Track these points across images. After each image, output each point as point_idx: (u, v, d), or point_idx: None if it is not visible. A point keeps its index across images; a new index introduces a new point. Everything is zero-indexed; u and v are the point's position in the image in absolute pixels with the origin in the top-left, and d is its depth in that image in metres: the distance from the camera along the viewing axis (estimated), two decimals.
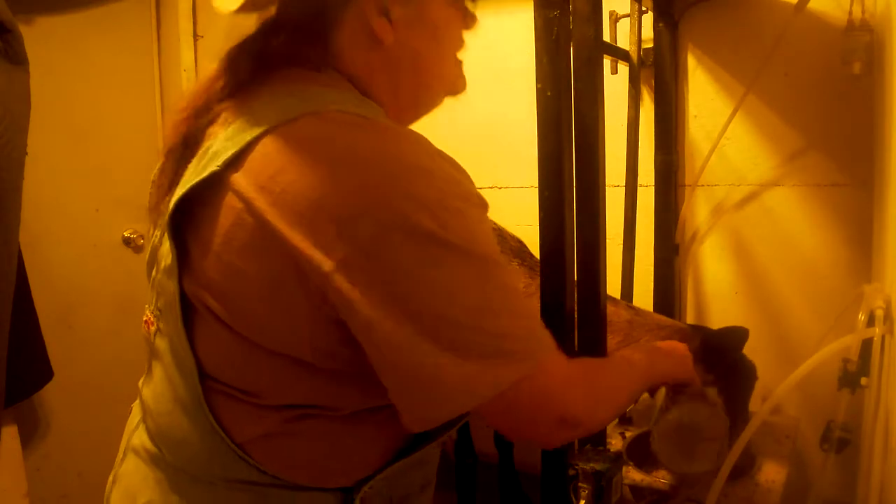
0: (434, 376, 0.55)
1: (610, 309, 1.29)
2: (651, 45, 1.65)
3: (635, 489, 1.27)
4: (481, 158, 2.03)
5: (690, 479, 1.19)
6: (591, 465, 0.99)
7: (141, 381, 0.76)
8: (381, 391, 0.59)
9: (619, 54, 1.64)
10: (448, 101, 2.17)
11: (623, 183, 1.66)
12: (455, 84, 0.82)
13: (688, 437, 1.06)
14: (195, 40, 2.71)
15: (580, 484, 0.98)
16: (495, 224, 1.63)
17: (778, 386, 0.91)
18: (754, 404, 1.31)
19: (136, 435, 0.74)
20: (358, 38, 0.69)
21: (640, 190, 1.67)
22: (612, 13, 1.67)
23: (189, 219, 0.63)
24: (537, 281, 1.47)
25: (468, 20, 0.78)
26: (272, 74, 0.66)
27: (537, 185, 1.11)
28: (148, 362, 0.73)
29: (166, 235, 0.65)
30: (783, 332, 1.59)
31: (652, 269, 1.68)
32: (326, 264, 0.54)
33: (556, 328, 1.13)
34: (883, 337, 0.89)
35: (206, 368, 0.64)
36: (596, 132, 1.07)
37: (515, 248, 1.57)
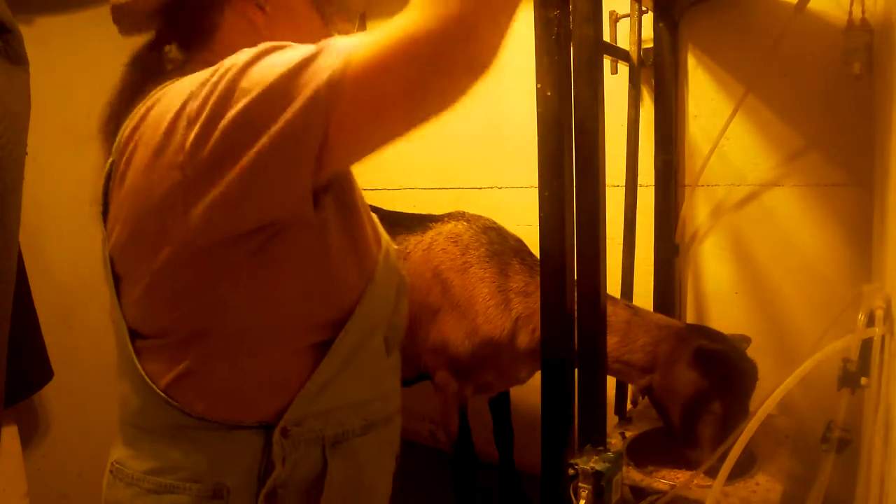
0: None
1: (608, 309, 1.29)
2: (651, 45, 1.65)
3: (635, 489, 1.27)
4: (481, 158, 2.03)
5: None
6: (591, 465, 0.99)
7: None
8: (267, 306, 0.67)
9: (619, 54, 1.64)
10: None
11: (623, 183, 1.66)
12: None
13: None
14: None
15: (580, 484, 0.99)
16: (494, 223, 1.63)
17: (778, 386, 0.91)
18: (754, 404, 1.31)
19: None
20: (240, 29, 0.76)
21: (640, 190, 1.67)
22: (612, 13, 1.67)
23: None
24: (536, 279, 1.47)
25: (330, 20, 0.81)
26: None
27: (537, 185, 1.11)
28: None
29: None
30: (783, 331, 1.59)
31: (652, 269, 1.68)
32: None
33: (556, 328, 1.13)
34: (883, 337, 0.89)
35: (133, 326, 0.73)
36: (596, 132, 1.07)
37: (515, 247, 1.57)
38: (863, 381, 0.92)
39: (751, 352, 1.34)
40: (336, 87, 0.57)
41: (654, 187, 1.67)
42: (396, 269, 0.84)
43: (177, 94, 0.63)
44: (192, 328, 0.68)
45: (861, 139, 1.44)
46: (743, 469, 1.24)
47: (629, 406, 1.66)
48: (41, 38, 2.17)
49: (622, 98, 1.68)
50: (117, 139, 0.69)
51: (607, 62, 1.67)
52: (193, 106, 0.60)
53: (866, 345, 0.91)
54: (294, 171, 0.60)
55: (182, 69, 0.72)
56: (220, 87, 0.59)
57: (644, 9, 1.62)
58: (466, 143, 2.05)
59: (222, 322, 0.68)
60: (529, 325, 1.45)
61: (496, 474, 1.77)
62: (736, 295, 1.66)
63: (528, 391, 1.63)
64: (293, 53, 0.60)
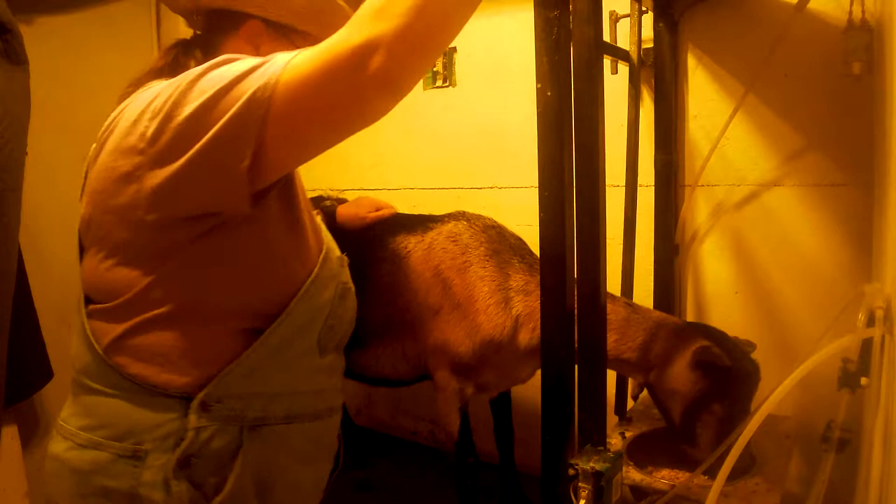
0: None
1: (608, 307, 1.29)
2: (651, 45, 1.65)
3: (635, 489, 1.27)
4: (481, 158, 2.03)
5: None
6: (591, 465, 0.99)
7: None
8: (207, 288, 0.75)
9: (619, 54, 1.64)
10: (448, 102, 2.18)
11: (623, 183, 1.66)
12: None
13: None
14: None
15: (580, 484, 0.98)
16: (494, 222, 1.63)
17: (778, 386, 0.91)
18: (754, 404, 1.31)
19: None
20: (244, 50, 0.86)
21: (640, 190, 1.67)
22: (612, 13, 1.67)
23: None
24: (536, 278, 1.47)
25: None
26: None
27: (537, 185, 1.11)
28: None
29: None
30: (783, 332, 1.59)
31: (652, 269, 1.68)
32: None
33: (556, 328, 1.13)
34: (883, 337, 0.89)
35: (87, 292, 0.83)
36: (596, 132, 1.07)
37: (515, 245, 1.57)
38: (863, 381, 0.92)
39: (752, 353, 1.34)
40: (270, 95, 0.66)
41: (654, 187, 1.67)
42: (338, 274, 0.90)
43: (150, 93, 0.74)
44: (137, 297, 0.75)
45: (861, 139, 1.44)
46: (743, 469, 1.24)
47: (629, 401, 1.66)
48: (41, 38, 2.17)
49: (622, 98, 1.68)
50: (101, 129, 0.80)
51: (607, 62, 1.67)
52: (157, 103, 0.70)
53: (866, 345, 0.91)
54: (230, 167, 0.67)
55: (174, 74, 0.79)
56: (180, 89, 0.69)
57: (644, 9, 1.62)
58: (466, 143, 2.06)
59: (163, 295, 0.75)
60: (530, 324, 1.45)
61: (496, 474, 1.77)
62: (736, 295, 1.66)
63: (529, 391, 1.63)
64: (242, 65, 0.69)
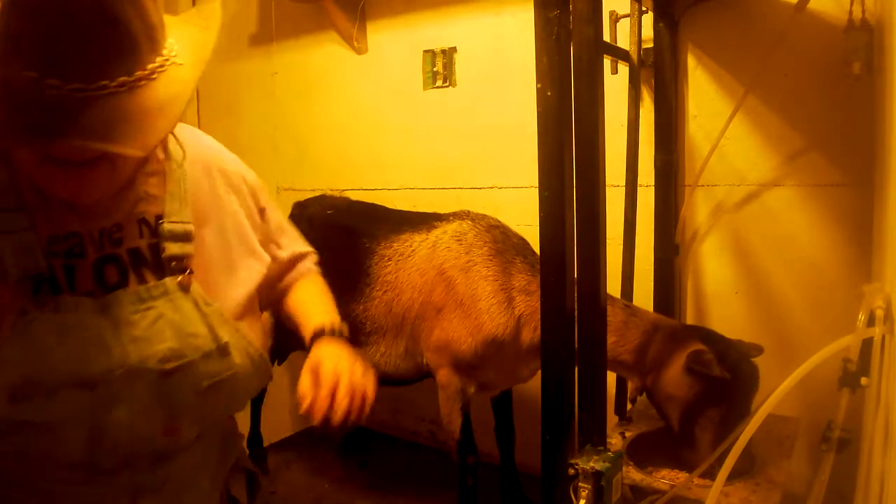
0: None
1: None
2: (651, 45, 1.65)
3: (635, 489, 1.27)
4: (481, 158, 2.03)
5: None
6: (591, 465, 0.99)
7: None
8: None
9: (619, 54, 1.64)
10: (448, 102, 2.19)
11: (623, 183, 1.66)
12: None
13: None
14: None
15: (580, 484, 0.98)
16: (498, 222, 1.63)
17: (778, 386, 0.91)
18: (754, 404, 1.31)
19: None
20: None
21: (640, 190, 1.67)
22: (612, 13, 1.66)
23: None
24: (538, 278, 1.47)
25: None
26: None
27: (537, 185, 1.11)
28: None
29: None
30: (783, 331, 1.59)
31: (652, 269, 1.68)
32: None
33: (556, 328, 1.13)
34: (883, 337, 0.89)
35: None
36: (596, 132, 1.07)
37: (518, 244, 1.57)
38: (863, 381, 0.92)
39: (759, 356, 1.33)
40: None
41: (654, 187, 1.67)
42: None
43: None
44: None
45: (861, 139, 1.44)
46: (743, 469, 1.24)
47: (628, 405, 1.66)
48: None
49: (622, 98, 1.68)
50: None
51: (607, 62, 1.67)
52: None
53: (866, 345, 0.91)
54: None
55: None
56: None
57: (644, 9, 1.62)
58: (466, 143, 2.06)
59: None
60: (532, 324, 1.45)
61: (497, 474, 1.77)
62: (736, 295, 1.66)
63: (529, 391, 1.63)
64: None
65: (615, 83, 1.68)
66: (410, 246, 1.64)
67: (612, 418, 1.49)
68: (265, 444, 2.11)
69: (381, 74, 2.20)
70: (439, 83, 2.07)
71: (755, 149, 1.60)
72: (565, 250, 1.10)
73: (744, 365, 1.27)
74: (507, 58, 1.93)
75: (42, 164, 0.65)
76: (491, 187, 2.02)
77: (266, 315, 2.06)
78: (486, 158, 2.02)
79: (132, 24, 0.61)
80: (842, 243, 1.51)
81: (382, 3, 2.16)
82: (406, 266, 1.62)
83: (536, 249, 1.17)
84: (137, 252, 0.74)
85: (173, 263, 0.75)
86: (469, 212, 1.65)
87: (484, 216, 1.64)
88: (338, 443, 2.17)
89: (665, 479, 1.27)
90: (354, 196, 2.10)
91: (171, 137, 0.80)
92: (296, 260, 0.99)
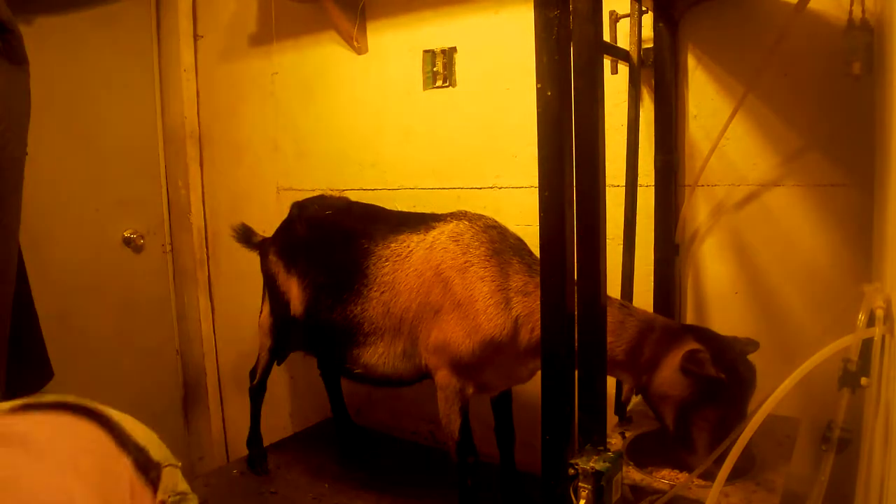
0: None
1: None
2: (651, 45, 1.65)
3: (635, 489, 1.27)
4: (481, 159, 2.03)
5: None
6: (591, 465, 0.99)
7: None
8: None
9: (619, 54, 1.64)
10: (448, 102, 2.19)
11: (623, 183, 1.66)
12: None
13: None
14: (195, 40, 2.71)
15: (580, 484, 0.99)
16: (496, 222, 1.63)
17: (778, 386, 0.91)
18: (754, 404, 1.31)
19: None
20: None
21: (640, 190, 1.67)
22: (612, 13, 1.67)
23: None
24: (535, 279, 1.47)
25: None
26: None
27: (537, 185, 1.11)
28: None
29: None
30: (783, 331, 1.59)
31: (652, 269, 1.68)
32: None
33: (556, 328, 1.13)
34: (883, 337, 0.89)
35: None
36: (596, 132, 1.07)
37: (515, 245, 1.57)
38: (863, 381, 0.92)
39: (754, 351, 1.33)
40: None
41: (654, 187, 1.67)
42: None
43: None
44: None
45: (861, 139, 1.44)
46: (743, 469, 1.24)
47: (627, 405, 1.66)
48: (41, 38, 2.17)
49: (622, 98, 1.68)
50: None
51: (607, 62, 1.67)
52: None
53: (866, 345, 0.91)
54: None
55: None
56: None
57: (644, 9, 1.62)
58: (466, 143, 2.06)
59: None
60: (529, 324, 1.45)
61: (497, 474, 1.77)
62: (736, 295, 1.66)
63: (529, 391, 1.63)
64: None
65: (615, 83, 1.69)
66: (408, 247, 1.64)
67: (612, 418, 1.49)
68: (265, 444, 2.11)
69: (381, 74, 2.20)
70: (439, 83, 2.07)
71: (755, 149, 1.60)
72: (565, 250, 1.10)
73: (740, 365, 1.27)
74: (507, 58, 1.93)
75: None
76: (491, 187, 2.02)
77: (266, 315, 2.07)
78: (486, 158, 2.02)
79: None
80: (842, 243, 1.51)
81: (382, 3, 2.16)
82: (403, 267, 1.62)
83: (537, 249, 1.17)
84: None
85: None
86: (466, 212, 1.65)
87: (481, 216, 1.64)
88: (338, 443, 2.17)
89: (665, 479, 1.28)
90: (354, 196, 2.10)
91: None
92: None
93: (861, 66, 1.31)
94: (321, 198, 2.02)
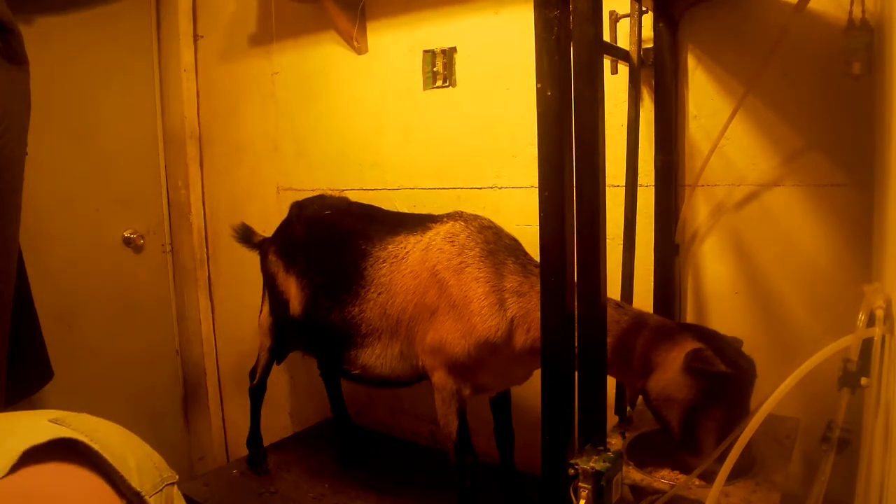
0: None
1: None
2: (651, 45, 1.65)
3: (635, 489, 1.27)
4: (481, 159, 2.03)
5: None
6: (591, 465, 0.99)
7: None
8: None
9: (619, 54, 1.64)
10: (448, 102, 2.19)
11: (623, 183, 1.66)
12: None
13: None
14: (195, 40, 2.71)
15: (580, 484, 0.99)
16: (491, 222, 1.63)
17: (778, 386, 0.91)
18: (754, 404, 1.31)
19: None
20: None
21: (640, 190, 1.67)
22: (612, 13, 1.67)
23: None
24: (530, 279, 1.47)
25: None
26: None
27: (537, 185, 1.11)
28: None
29: None
30: (783, 331, 1.59)
31: (652, 269, 1.68)
32: None
33: (556, 328, 1.13)
34: (883, 337, 0.89)
35: None
36: (596, 132, 1.07)
37: (510, 245, 1.57)
38: (863, 381, 0.92)
39: (751, 352, 1.33)
40: None
41: (654, 187, 1.67)
42: None
43: None
44: None
45: (861, 139, 1.44)
46: (743, 469, 1.24)
47: (628, 409, 1.66)
48: (41, 38, 2.17)
49: (622, 98, 1.68)
50: None
51: (607, 62, 1.67)
52: None
53: (866, 345, 0.91)
54: None
55: None
56: None
57: (644, 9, 1.62)
58: (466, 143, 2.06)
59: None
60: (524, 325, 1.45)
61: (496, 474, 1.77)
62: (736, 295, 1.66)
63: (529, 391, 1.63)
64: None
65: (615, 83, 1.69)
66: (405, 248, 1.64)
67: (612, 418, 1.49)
68: (265, 444, 2.11)
69: (381, 74, 2.20)
70: (439, 83, 2.07)
71: (755, 149, 1.60)
72: (565, 250, 1.10)
73: (741, 359, 1.27)
74: (507, 58, 1.93)
75: None
76: (491, 187, 2.02)
77: (265, 315, 2.07)
78: (486, 158, 2.02)
79: None
80: (842, 243, 1.51)
81: (382, 3, 2.16)
82: (400, 268, 1.62)
83: (536, 249, 1.17)
84: None
85: None
86: (462, 213, 1.65)
87: (476, 216, 1.64)
88: (337, 443, 2.17)
89: (665, 479, 1.27)
90: (354, 196, 2.10)
91: None
92: None
93: (861, 66, 1.31)
94: (320, 198, 2.02)
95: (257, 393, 2.09)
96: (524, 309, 1.45)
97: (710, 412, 1.26)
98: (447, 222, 1.63)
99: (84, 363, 2.34)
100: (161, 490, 0.66)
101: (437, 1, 2.04)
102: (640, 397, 1.50)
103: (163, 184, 2.74)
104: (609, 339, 1.32)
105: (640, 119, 1.67)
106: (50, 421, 0.63)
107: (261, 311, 2.05)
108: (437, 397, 1.57)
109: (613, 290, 1.65)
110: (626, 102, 1.67)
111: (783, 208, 1.58)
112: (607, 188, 1.11)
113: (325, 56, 2.32)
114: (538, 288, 1.37)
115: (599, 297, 1.10)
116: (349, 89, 2.30)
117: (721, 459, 0.96)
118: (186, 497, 0.91)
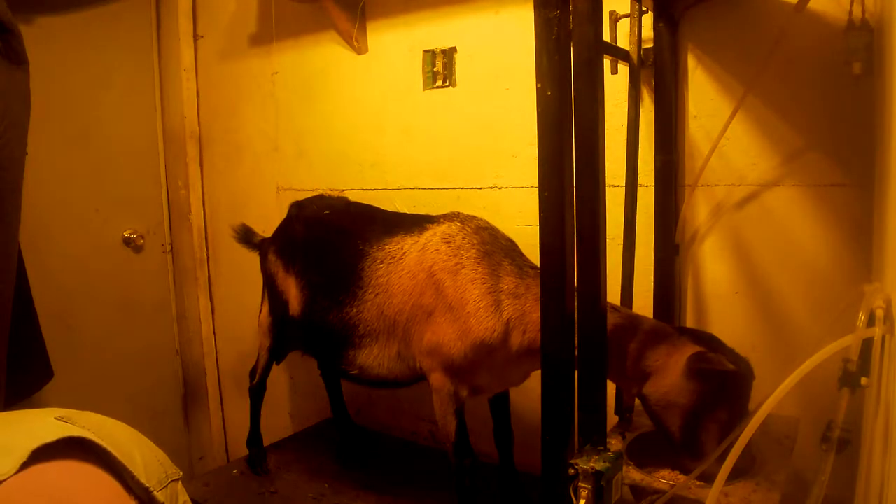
0: None
1: None
2: (651, 45, 1.65)
3: (635, 489, 1.27)
4: (481, 158, 2.03)
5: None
6: (591, 465, 0.99)
7: None
8: None
9: (619, 54, 1.64)
10: (448, 102, 2.19)
11: (623, 183, 1.66)
12: None
13: None
14: (195, 40, 2.71)
15: (580, 484, 0.99)
16: (487, 223, 1.63)
17: (778, 386, 0.91)
18: (754, 404, 1.31)
19: None
20: None
21: (640, 190, 1.67)
22: (612, 13, 1.67)
23: None
24: (526, 281, 1.47)
25: None
26: None
27: (537, 185, 1.11)
28: None
29: None
30: (783, 331, 1.59)
31: (652, 269, 1.68)
32: None
33: (556, 328, 1.13)
34: (883, 337, 0.89)
35: None
36: (596, 132, 1.07)
37: (506, 246, 1.57)
38: (863, 381, 0.92)
39: (751, 352, 1.33)
40: None
41: (653, 187, 1.67)
42: None
43: None
44: None
45: (861, 139, 1.44)
46: (743, 469, 1.24)
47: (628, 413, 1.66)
48: (41, 38, 2.17)
49: (622, 98, 1.68)
50: None
51: (607, 62, 1.67)
52: None
53: (866, 345, 0.91)
54: None
55: None
56: None
57: (644, 9, 1.62)
58: (466, 143, 2.06)
59: None
60: (521, 327, 1.44)
61: (496, 474, 1.77)
62: (736, 295, 1.66)
63: (529, 391, 1.63)
64: None
65: (615, 83, 1.69)
66: (402, 248, 1.63)
67: (612, 418, 1.49)
68: (265, 444, 2.11)
69: (381, 74, 2.20)
70: (439, 83, 2.07)
71: (755, 149, 1.60)
72: (565, 250, 1.10)
73: (741, 363, 1.27)
74: (507, 58, 1.93)
75: None
76: (491, 187, 2.02)
77: (265, 315, 2.07)
78: (486, 158, 2.02)
79: None
80: (842, 243, 1.51)
81: (382, 3, 2.16)
82: (398, 269, 1.62)
83: (536, 249, 1.17)
84: None
85: None
86: (458, 213, 1.65)
87: (473, 217, 1.63)
88: (337, 443, 2.17)
89: (665, 479, 1.27)
90: (354, 196, 2.10)
91: None
92: None
93: (861, 66, 1.31)
94: (320, 198, 2.02)
95: (257, 393, 2.09)
96: (520, 311, 1.45)
97: (713, 415, 1.25)
98: (444, 223, 1.62)
99: (84, 363, 2.34)
100: (166, 486, 0.67)
101: (437, 1, 2.04)
102: (637, 401, 1.50)
103: (163, 184, 2.74)
104: (627, 349, 1.32)
105: (640, 119, 1.67)
106: (56, 419, 0.63)
107: (260, 312, 2.05)
108: (434, 398, 1.57)
109: (613, 290, 1.65)
110: (626, 102, 1.67)
111: (783, 208, 1.58)
112: (607, 188, 1.11)
113: (325, 56, 2.32)
114: (534, 290, 1.37)
115: (599, 297, 1.10)
116: (349, 89, 2.30)
117: (721, 459, 0.96)
118: None
